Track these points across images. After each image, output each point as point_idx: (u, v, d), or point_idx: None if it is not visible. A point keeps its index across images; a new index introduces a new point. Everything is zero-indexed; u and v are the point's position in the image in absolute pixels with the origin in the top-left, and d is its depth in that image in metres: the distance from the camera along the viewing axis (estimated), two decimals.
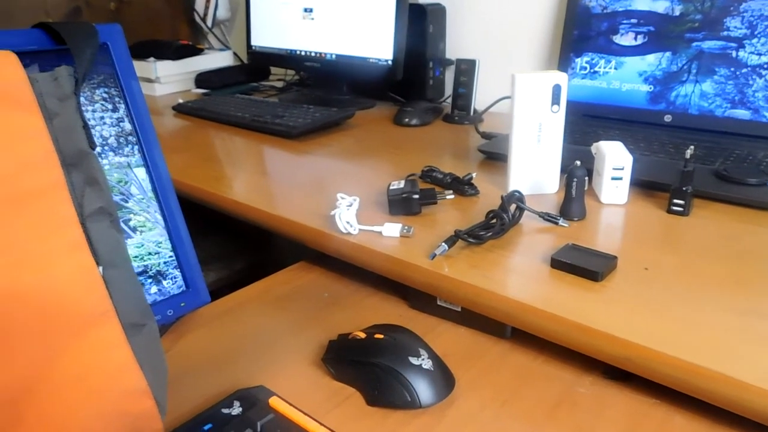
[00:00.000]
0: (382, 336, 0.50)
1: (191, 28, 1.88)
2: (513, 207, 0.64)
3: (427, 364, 0.47)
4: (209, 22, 1.77)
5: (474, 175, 0.75)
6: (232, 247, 1.16)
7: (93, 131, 0.50)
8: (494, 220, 0.62)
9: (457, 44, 1.30)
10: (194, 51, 1.59)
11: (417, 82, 1.25)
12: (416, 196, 0.68)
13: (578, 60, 1.01)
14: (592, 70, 1.00)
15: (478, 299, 0.54)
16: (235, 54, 1.71)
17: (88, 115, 0.49)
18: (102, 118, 0.48)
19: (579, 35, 1.01)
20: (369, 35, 1.19)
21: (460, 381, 0.50)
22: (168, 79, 1.51)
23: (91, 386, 0.38)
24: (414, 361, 0.47)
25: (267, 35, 1.40)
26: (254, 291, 0.66)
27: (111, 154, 0.48)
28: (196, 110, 1.22)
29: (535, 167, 0.73)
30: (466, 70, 1.14)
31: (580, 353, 0.49)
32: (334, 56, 1.27)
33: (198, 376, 0.52)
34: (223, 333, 0.58)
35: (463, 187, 0.74)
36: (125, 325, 0.40)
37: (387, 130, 1.10)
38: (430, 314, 0.60)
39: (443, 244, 0.58)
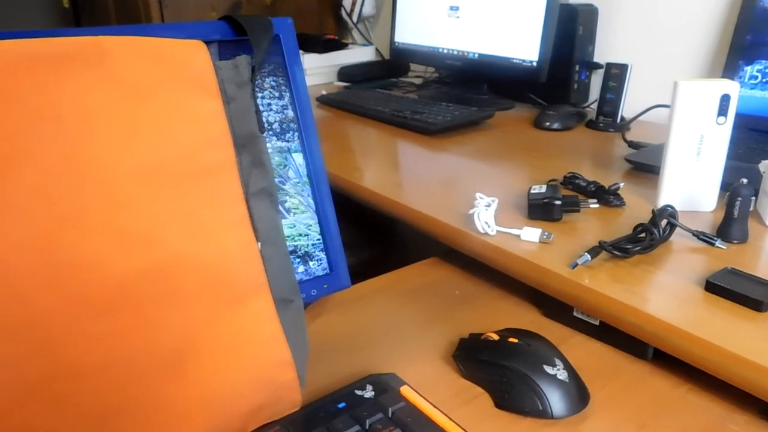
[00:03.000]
0: (516, 340, 0.49)
1: (337, 23, 1.96)
2: (664, 222, 0.60)
3: (562, 374, 0.46)
4: (355, 18, 1.83)
5: (621, 185, 0.71)
6: (361, 237, 1.20)
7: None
8: (643, 234, 0.59)
9: (606, 47, 1.24)
10: (339, 45, 1.66)
11: (560, 85, 1.21)
12: (558, 202, 0.66)
13: (748, 68, 0.93)
14: (763, 80, 0.91)
15: (619, 314, 0.51)
16: (377, 49, 1.76)
17: (257, 101, 0.53)
18: (269, 104, 0.51)
19: (752, 41, 0.92)
20: (515, 35, 1.17)
21: (594, 397, 0.48)
22: (313, 71, 1.59)
23: (243, 352, 0.41)
24: (549, 370, 0.46)
25: (410, 32, 1.43)
26: (387, 281, 0.68)
27: (274, 138, 0.52)
28: (338, 102, 1.27)
29: (691, 182, 0.68)
30: (616, 74, 1.08)
31: (734, 387, 0.45)
32: (476, 55, 1.26)
33: (331, 355, 0.54)
34: (356, 318, 0.60)
35: (608, 196, 0.71)
36: (276, 300, 0.43)
37: (526, 132, 1.07)
38: (565, 324, 0.58)
39: (586, 254, 0.56)
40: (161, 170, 0.38)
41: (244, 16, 0.49)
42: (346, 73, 1.56)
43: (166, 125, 0.39)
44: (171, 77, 0.40)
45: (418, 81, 1.56)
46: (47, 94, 0.35)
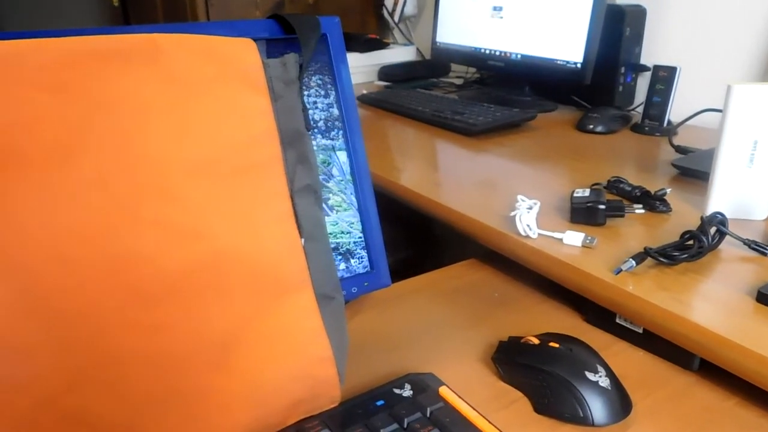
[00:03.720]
0: (557, 345, 0.48)
1: (378, 22, 1.97)
2: (713, 230, 0.59)
3: (604, 381, 0.45)
4: (396, 18, 1.83)
5: (668, 190, 0.69)
6: (397, 236, 1.20)
7: None
8: (690, 242, 0.57)
9: (654, 49, 1.21)
10: (381, 45, 1.67)
11: (605, 87, 1.19)
12: (602, 207, 0.65)
13: None
14: None
15: (665, 323, 0.50)
16: (417, 49, 1.76)
17: (304, 99, 0.54)
18: (315, 102, 0.52)
19: None
20: (559, 36, 1.15)
21: (637, 407, 0.47)
22: (354, 70, 1.59)
23: (285, 347, 0.41)
24: (591, 376, 0.45)
25: (452, 32, 1.42)
26: (425, 281, 0.67)
27: (319, 136, 0.52)
28: (379, 101, 1.28)
29: (742, 189, 0.66)
30: (664, 77, 1.06)
31: None
32: (519, 56, 1.25)
33: (369, 353, 0.54)
34: (394, 317, 0.60)
35: (653, 202, 0.69)
36: (318, 296, 0.43)
37: (569, 135, 1.06)
38: (607, 331, 0.57)
39: (630, 259, 0.55)
40: (211, 165, 0.39)
41: (293, 15, 0.49)
42: (386, 72, 1.57)
43: (217, 121, 0.40)
44: (222, 74, 0.41)
45: (458, 81, 1.56)
46: (105, 89, 0.36)
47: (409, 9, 1.82)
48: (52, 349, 0.34)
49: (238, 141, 0.41)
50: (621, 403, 0.45)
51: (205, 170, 0.39)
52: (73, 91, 0.35)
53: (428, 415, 0.43)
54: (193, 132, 0.39)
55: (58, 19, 2.80)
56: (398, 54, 1.69)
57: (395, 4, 1.84)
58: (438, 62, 1.58)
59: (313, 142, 0.52)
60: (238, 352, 0.39)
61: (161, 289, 0.37)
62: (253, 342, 0.40)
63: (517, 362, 0.49)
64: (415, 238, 1.24)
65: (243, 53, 0.42)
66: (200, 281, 0.38)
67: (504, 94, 1.30)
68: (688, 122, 1.02)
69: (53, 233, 0.34)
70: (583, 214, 0.65)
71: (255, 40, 0.43)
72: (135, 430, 0.36)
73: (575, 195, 0.67)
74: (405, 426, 0.41)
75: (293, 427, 0.42)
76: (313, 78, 0.52)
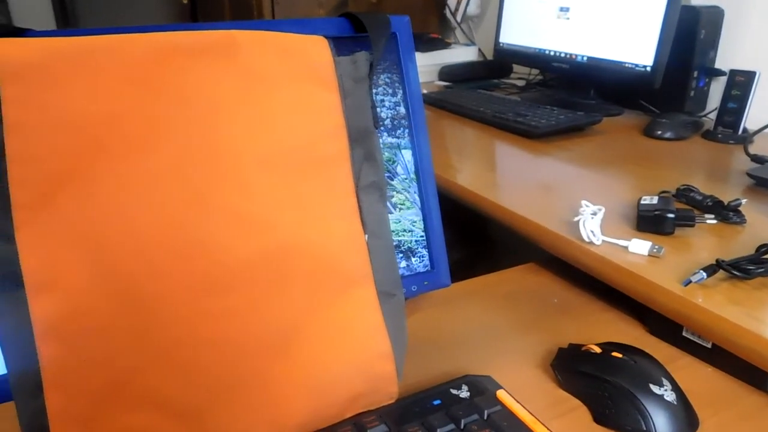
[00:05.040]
0: (620, 355, 0.47)
1: (440, 21, 1.96)
2: None
3: (669, 396, 0.44)
4: (459, 17, 1.82)
5: (743, 201, 0.66)
6: (452, 237, 1.19)
7: None
8: (767, 256, 0.55)
9: (730, 52, 1.16)
10: (442, 44, 1.66)
11: (675, 92, 1.15)
12: (671, 215, 0.62)
13: None
14: None
15: (737, 339, 0.48)
16: (479, 50, 1.74)
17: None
18: (382, 101, 0.52)
19: None
20: (629, 38, 1.12)
21: (703, 424, 0.45)
22: None
23: (346, 340, 0.42)
24: (656, 389, 0.44)
25: (516, 33, 1.40)
26: (483, 283, 0.67)
27: (385, 134, 0.52)
28: (439, 101, 1.27)
29: None
30: (741, 82, 1.01)
31: None
32: (585, 58, 1.22)
33: (425, 352, 0.54)
34: (451, 317, 0.60)
35: (726, 212, 0.66)
36: (379, 292, 0.44)
37: (635, 140, 1.02)
38: (672, 344, 0.55)
39: (701, 271, 0.53)
40: (281, 159, 0.40)
41: (364, 14, 0.50)
42: (447, 72, 1.56)
43: (288, 116, 0.41)
44: (295, 70, 0.42)
45: (520, 83, 1.53)
46: (186, 83, 0.38)
47: (472, 9, 1.80)
48: (128, 330, 0.35)
49: (307, 136, 0.41)
50: (687, 419, 0.44)
51: (275, 163, 0.40)
52: (157, 85, 0.37)
53: (485, 417, 0.42)
54: (266, 126, 0.40)
55: (129, 15, 2.92)
56: (459, 54, 1.68)
57: (458, 3, 1.83)
58: (500, 63, 1.57)
59: (380, 140, 0.52)
60: (299, 342, 0.40)
61: (230, 277, 0.38)
62: (314, 333, 0.41)
63: (578, 370, 0.48)
64: (470, 240, 1.23)
65: (315, 51, 0.43)
66: (267, 271, 0.39)
67: (568, 97, 1.27)
68: (766, 130, 0.98)
69: (132, 220, 0.36)
70: (650, 222, 0.63)
71: (326, 37, 0.44)
72: (201, 413, 0.37)
73: (642, 202, 0.65)
74: (462, 427, 0.41)
75: (350, 420, 0.42)
76: (381, 76, 0.52)
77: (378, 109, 0.52)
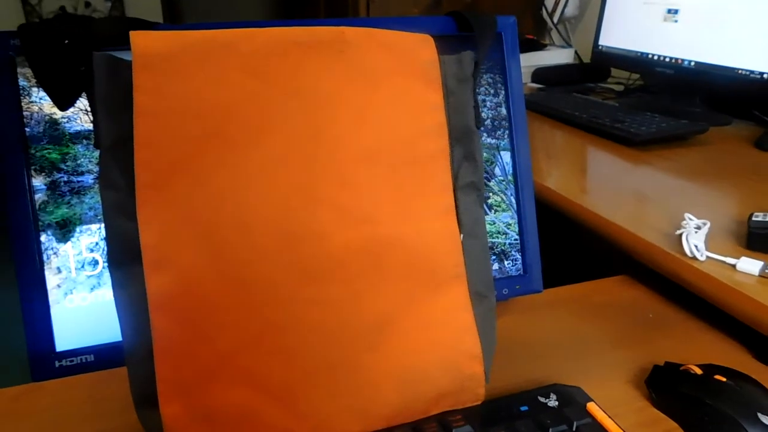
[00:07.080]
0: (724, 379, 0.44)
1: (535, 22, 1.92)
2: None
3: None
4: (555, 19, 1.78)
5: None
6: (542, 243, 1.16)
7: None
8: None
9: None
10: (537, 46, 1.63)
11: None
12: None
13: None
14: None
15: None
16: (576, 52, 1.69)
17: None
18: (484, 101, 0.52)
19: None
20: (744, 43, 1.05)
21: None
22: None
23: (436, 337, 0.42)
24: (765, 419, 0.41)
25: (618, 35, 1.35)
26: (575, 292, 0.65)
27: (485, 135, 0.52)
28: (532, 103, 1.25)
29: None
30: None
31: None
32: (692, 63, 1.15)
33: (513, 357, 0.53)
34: (541, 324, 0.58)
35: None
36: (471, 293, 0.43)
37: (745, 153, 0.96)
38: None
39: None
40: (383, 154, 0.41)
41: (471, 13, 0.50)
42: (540, 74, 1.53)
43: (392, 113, 0.41)
44: (400, 68, 0.42)
45: (617, 88, 1.47)
46: (299, 76, 0.39)
47: (570, 10, 1.75)
48: (234, 310, 0.37)
49: (409, 133, 0.42)
50: None
51: (377, 158, 0.41)
52: (273, 77, 0.39)
53: (574, 429, 0.41)
54: (370, 121, 0.41)
55: (226, 11, 3.05)
56: (555, 56, 1.64)
57: (556, 4, 1.78)
58: (597, 66, 1.51)
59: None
60: (392, 335, 0.41)
61: (329, 267, 0.39)
62: (406, 328, 0.41)
63: (675, 390, 0.46)
64: (559, 248, 1.19)
65: (421, 49, 0.43)
66: (364, 263, 0.40)
67: (671, 104, 1.21)
68: None
69: (242, 206, 0.38)
70: (762, 240, 0.59)
71: (432, 36, 0.44)
72: (295, 395, 0.38)
73: (754, 219, 0.61)
74: None
75: (436, 417, 0.42)
76: (484, 76, 0.52)
77: (479, 110, 0.52)
